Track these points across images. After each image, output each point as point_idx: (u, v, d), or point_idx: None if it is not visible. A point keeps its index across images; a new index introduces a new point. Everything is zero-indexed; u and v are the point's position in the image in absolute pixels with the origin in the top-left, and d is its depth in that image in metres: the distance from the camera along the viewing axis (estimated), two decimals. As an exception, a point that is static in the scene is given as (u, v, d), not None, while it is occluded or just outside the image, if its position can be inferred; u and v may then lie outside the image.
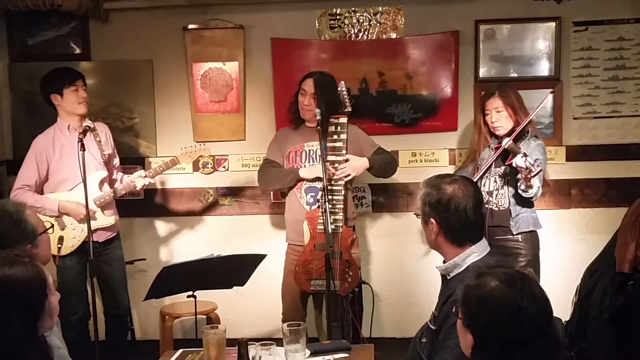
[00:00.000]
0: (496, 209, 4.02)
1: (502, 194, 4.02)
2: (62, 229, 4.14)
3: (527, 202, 4.00)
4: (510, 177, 3.99)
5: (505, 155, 3.94)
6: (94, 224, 4.07)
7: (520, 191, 3.90)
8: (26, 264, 2.05)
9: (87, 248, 4.02)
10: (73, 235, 4.15)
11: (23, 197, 4.07)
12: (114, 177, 4.42)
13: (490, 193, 4.04)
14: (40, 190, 4.20)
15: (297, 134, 4.22)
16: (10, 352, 1.95)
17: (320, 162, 3.95)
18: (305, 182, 4.13)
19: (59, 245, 4.04)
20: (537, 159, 3.82)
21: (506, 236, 3.99)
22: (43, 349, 2.08)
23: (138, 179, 4.28)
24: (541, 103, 4.19)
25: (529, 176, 3.73)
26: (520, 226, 3.99)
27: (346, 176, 4.03)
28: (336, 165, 4.01)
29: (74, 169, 3.97)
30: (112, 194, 4.24)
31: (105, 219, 4.25)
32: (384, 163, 4.21)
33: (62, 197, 4.14)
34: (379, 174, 4.28)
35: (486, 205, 3.98)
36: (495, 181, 4.05)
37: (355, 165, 4.08)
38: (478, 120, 4.19)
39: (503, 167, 4.01)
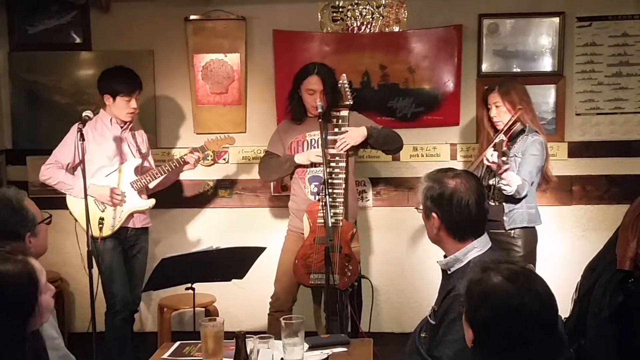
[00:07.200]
0: (492, 203, 3.94)
1: (497, 188, 3.94)
2: (102, 211, 4.15)
3: (511, 199, 3.89)
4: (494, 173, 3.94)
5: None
6: (129, 207, 4.19)
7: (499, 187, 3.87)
8: (17, 261, 1.97)
9: (125, 234, 4.22)
10: (113, 215, 4.17)
11: (56, 172, 4.12)
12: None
13: (488, 188, 3.95)
14: (71, 173, 4.19)
15: (298, 124, 4.20)
16: None
17: (320, 148, 3.94)
18: (308, 171, 4.11)
19: (100, 226, 4.07)
20: (513, 156, 3.82)
21: (499, 230, 3.89)
22: (35, 345, 2.03)
23: (189, 156, 4.27)
24: (508, 122, 3.94)
25: (499, 172, 3.76)
26: (514, 222, 3.92)
27: (346, 147, 4.00)
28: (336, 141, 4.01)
29: (113, 156, 4.17)
30: (154, 175, 4.26)
31: (143, 201, 4.27)
32: (384, 134, 4.13)
33: (97, 182, 4.13)
34: (380, 145, 4.16)
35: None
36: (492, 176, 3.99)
37: (354, 134, 4.03)
38: (482, 115, 4.17)
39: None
